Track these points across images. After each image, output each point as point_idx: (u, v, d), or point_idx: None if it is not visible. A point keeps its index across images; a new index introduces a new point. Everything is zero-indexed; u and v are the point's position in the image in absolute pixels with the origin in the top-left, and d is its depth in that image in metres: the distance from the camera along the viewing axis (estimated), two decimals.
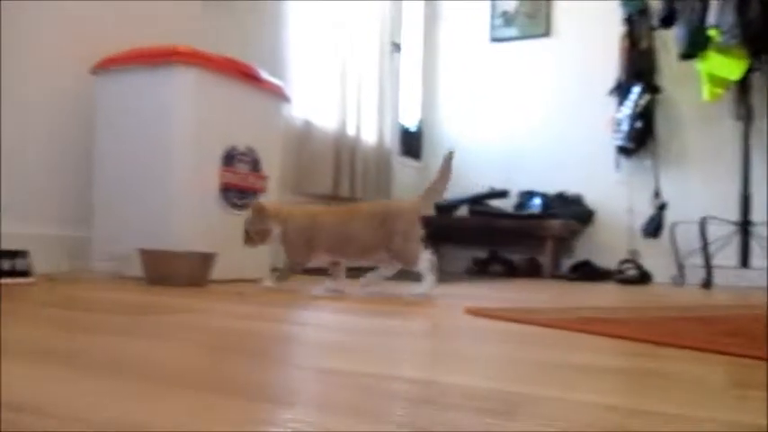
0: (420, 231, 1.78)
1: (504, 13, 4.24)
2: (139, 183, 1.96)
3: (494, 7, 4.27)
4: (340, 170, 3.26)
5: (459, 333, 0.96)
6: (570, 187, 3.90)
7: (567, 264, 3.89)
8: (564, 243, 3.90)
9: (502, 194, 3.93)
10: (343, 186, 3.26)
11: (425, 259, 1.74)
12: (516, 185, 4.03)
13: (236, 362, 0.64)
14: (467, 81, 4.38)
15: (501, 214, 3.89)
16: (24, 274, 1.54)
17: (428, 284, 1.72)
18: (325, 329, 0.93)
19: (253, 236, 1.77)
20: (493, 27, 4.28)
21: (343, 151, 3.27)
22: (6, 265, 1.48)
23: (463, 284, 2.61)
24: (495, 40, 4.29)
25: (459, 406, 0.49)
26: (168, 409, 0.44)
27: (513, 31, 4.22)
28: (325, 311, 1.20)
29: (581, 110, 4.00)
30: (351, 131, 3.36)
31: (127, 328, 0.84)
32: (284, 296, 1.52)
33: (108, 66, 2.03)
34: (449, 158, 1.83)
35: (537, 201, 3.88)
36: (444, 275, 3.43)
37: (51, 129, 2.09)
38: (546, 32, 4.13)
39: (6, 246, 1.56)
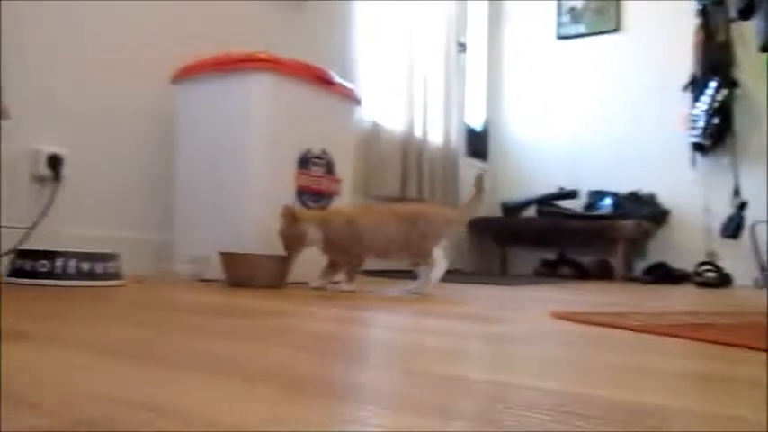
0: (442, 240, 1.80)
1: (572, 10, 4.15)
2: (218, 187, 2.00)
3: (560, 5, 4.20)
4: (407, 172, 3.26)
5: (555, 338, 0.94)
6: (643, 186, 3.79)
7: (639, 266, 3.78)
8: (636, 244, 3.79)
9: (571, 195, 3.85)
10: (410, 188, 3.26)
11: (431, 263, 1.77)
12: (585, 185, 3.94)
13: (347, 367, 0.64)
14: (533, 80, 4.31)
15: (570, 215, 3.81)
16: (115, 276, 1.59)
17: (420, 284, 1.78)
18: (424, 334, 0.93)
19: (290, 242, 1.79)
20: (559, 24, 4.20)
21: (411, 153, 3.27)
22: (99, 267, 1.54)
23: (534, 287, 2.56)
24: (561, 37, 4.21)
25: (601, 418, 0.47)
26: (289, 412, 0.45)
27: (580, 28, 4.14)
28: (408, 314, 1.20)
29: (653, 106, 3.88)
30: (418, 133, 3.35)
31: (228, 331, 0.85)
32: (361, 298, 1.53)
33: (187, 74, 2.09)
34: (479, 180, 1.89)
35: (607, 201, 3.78)
36: (511, 278, 3.40)
37: (135, 137, 2.17)
38: (616, 28, 4.02)
39: (97, 248, 1.63)
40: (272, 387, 0.53)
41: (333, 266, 1.82)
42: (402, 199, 3.27)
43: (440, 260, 1.79)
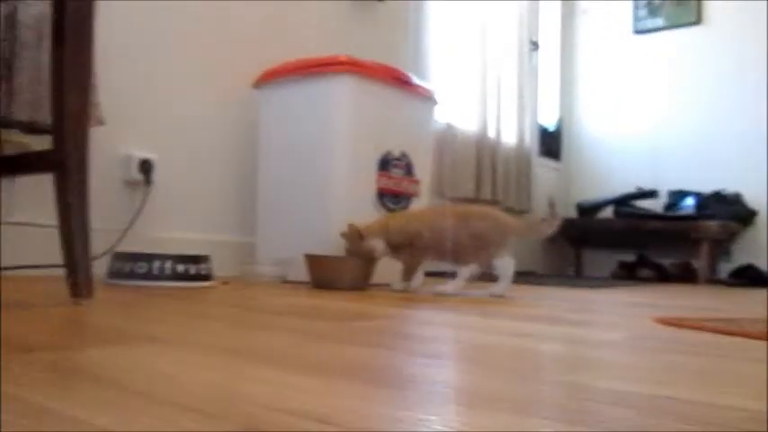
0: (496, 250, 1.75)
1: (650, 3, 4.01)
2: (300, 189, 2.02)
3: None
4: (481, 173, 3.21)
5: (674, 346, 0.89)
6: (728, 186, 3.62)
7: (723, 268, 3.61)
8: (721, 246, 3.62)
9: (650, 194, 3.71)
10: (484, 190, 3.21)
11: (470, 269, 1.74)
12: (666, 185, 3.80)
13: (476, 372, 0.62)
14: (608, 76, 4.19)
15: (650, 215, 3.68)
16: (207, 278, 1.62)
17: (454, 286, 1.74)
18: (535, 339, 0.90)
19: (362, 258, 1.80)
20: (636, 18, 4.07)
21: (484, 154, 3.22)
22: (192, 269, 1.57)
23: (617, 290, 2.48)
24: (638, 31, 4.07)
25: None
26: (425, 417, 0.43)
27: (659, 21, 3.99)
28: (505, 317, 1.17)
29: (737, 102, 3.70)
30: (491, 133, 3.30)
31: (339, 335, 0.85)
32: (446, 300, 1.50)
33: (269, 79, 2.11)
34: (552, 206, 1.86)
35: (690, 201, 3.63)
36: (589, 280, 3.30)
37: (220, 141, 2.21)
38: (696, 20, 3.87)
39: (182, 250, 1.66)
40: (398, 392, 0.52)
41: (414, 265, 1.81)
42: (476, 200, 3.23)
43: (459, 280, 1.75)
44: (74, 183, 1.07)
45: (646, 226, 3.60)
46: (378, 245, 1.79)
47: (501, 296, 1.73)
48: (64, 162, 1.08)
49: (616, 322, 1.18)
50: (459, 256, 1.76)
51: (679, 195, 3.72)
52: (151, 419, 0.41)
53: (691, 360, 0.77)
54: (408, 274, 1.79)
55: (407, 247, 1.79)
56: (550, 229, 1.81)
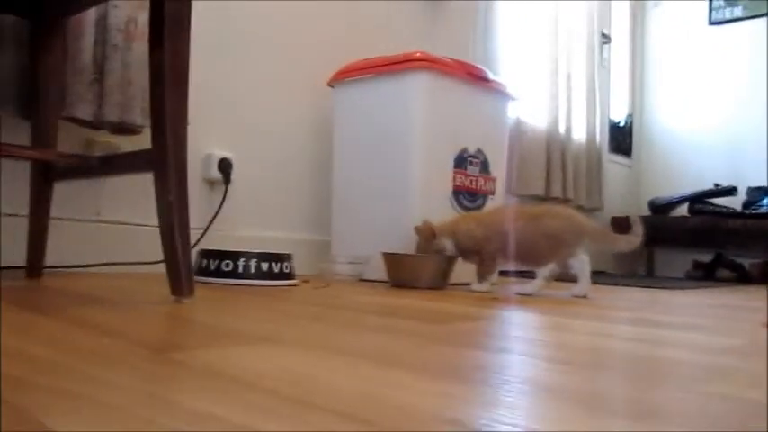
0: (571, 250, 1.69)
1: None
2: (376, 187, 2.01)
3: None
4: (551, 170, 3.14)
5: None
6: None
7: None
8: None
9: (728, 192, 3.56)
10: (554, 187, 3.14)
11: (549, 269, 1.69)
12: (745, 181, 3.64)
13: (614, 381, 0.60)
14: (682, 69, 4.04)
15: (728, 213, 3.53)
16: (290, 276, 1.63)
17: (533, 287, 1.70)
18: (654, 345, 0.86)
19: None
20: (712, 9, 3.91)
21: (554, 150, 3.15)
22: (276, 267, 1.58)
23: (697, 291, 2.38)
24: (714, 22, 3.92)
25: None
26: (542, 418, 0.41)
27: (736, 11, 3.83)
28: (609, 321, 1.12)
29: None
30: (561, 129, 3.23)
31: (443, 335, 0.83)
32: (533, 301, 1.47)
33: (344, 77, 2.11)
34: (636, 224, 1.73)
35: None
36: (664, 280, 3.19)
37: (296, 140, 2.22)
38: None
39: (260, 248, 1.67)
40: (542, 401, 0.49)
41: (488, 267, 1.77)
42: (546, 198, 3.16)
43: (539, 280, 1.70)
44: (174, 182, 1.09)
45: (723, 224, 3.46)
46: (447, 245, 1.77)
47: (584, 296, 1.68)
48: (164, 161, 1.09)
49: (725, 327, 1.13)
50: (532, 258, 1.71)
51: (759, 192, 3.56)
52: (313, 427, 0.40)
53: None
54: (483, 276, 1.76)
55: (476, 253, 1.76)
56: (629, 246, 1.70)
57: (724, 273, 3.54)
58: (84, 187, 1.70)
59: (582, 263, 1.70)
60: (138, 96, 1.62)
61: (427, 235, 1.78)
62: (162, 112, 1.09)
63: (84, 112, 1.55)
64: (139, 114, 1.62)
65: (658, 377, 0.63)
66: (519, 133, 2.99)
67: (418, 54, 1.96)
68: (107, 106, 1.58)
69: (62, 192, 1.55)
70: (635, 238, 1.69)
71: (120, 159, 1.35)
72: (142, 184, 1.54)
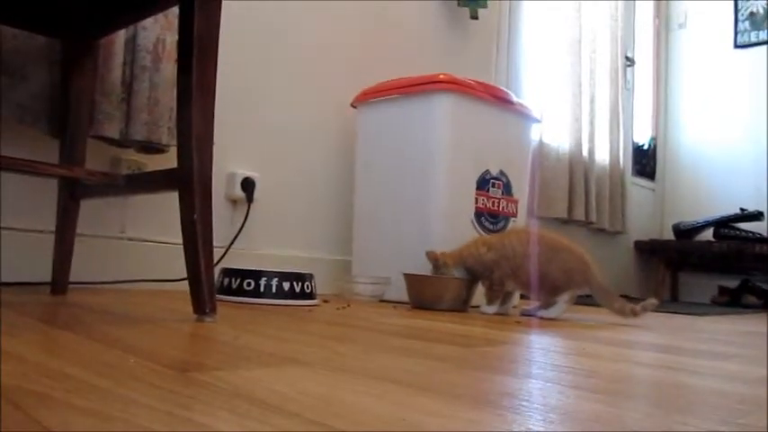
0: (572, 292, 1.69)
1: (752, 15, 3.82)
2: (398, 208, 2.01)
3: (738, 10, 3.88)
4: (574, 193, 3.11)
5: None
6: None
7: None
8: None
9: (755, 217, 3.50)
10: (577, 210, 3.11)
11: (561, 303, 1.69)
12: None
13: (643, 411, 0.58)
14: (706, 92, 4.01)
15: (755, 239, 3.47)
16: (310, 296, 1.63)
17: (557, 310, 1.69)
18: (685, 373, 0.84)
19: None
20: (738, 32, 3.88)
21: (577, 172, 3.13)
22: (298, 287, 1.58)
23: (725, 317, 2.33)
24: (740, 46, 3.89)
25: None
26: None
27: (762, 35, 3.79)
28: (628, 346, 1.10)
29: None
30: (584, 151, 3.20)
31: (467, 359, 0.82)
32: (554, 325, 1.45)
33: (367, 98, 2.12)
34: (652, 306, 1.69)
35: None
36: (689, 306, 3.14)
37: (319, 160, 2.23)
38: None
39: (280, 267, 1.67)
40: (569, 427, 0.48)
41: (496, 292, 1.76)
42: (569, 221, 3.14)
43: (561, 305, 1.69)
44: (198, 200, 1.10)
45: (750, 250, 3.40)
46: (456, 273, 1.78)
47: (551, 319, 1.66)
48: (189, 180, 1.10)
49: (757, 355, 1.10)
50: (539, 286, 1.69)
51: None
52: None
53: None
54: (491, 299, 1.75)
55: (486, 278, 1.75)
56: (619, 312, 1.66)
57: (750, 299, 3.47)
58: (110, 204, 1.72)
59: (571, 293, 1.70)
60: (165, 116, 1.64)
61: (433, 263, 1.78)
62: (188, 133, 1.10)
63: (112, 130, 1.57)
64: (166, 133, 1.64)
65: (690, 407, 0.61)
66: (542, 155, 2.98)
67: (442, 76, 1.97)
68: (134, 125, 1.60)
69: (88, 208, 1.57)
70: (629, 310, 1.65)
71: (145, 178, 1.37)
72: (166, 203, 1.55)
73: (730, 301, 3.53)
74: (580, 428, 0.50)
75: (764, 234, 3.48)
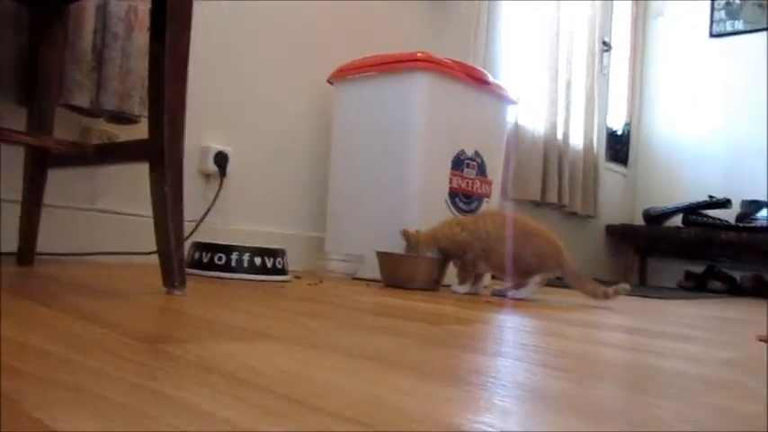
0: (544, 276, 1.71)
1: (728, 5, 3.86)
2: (373, 186, 2.00)
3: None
4: (548, 176, 3.14)
5: None
6: None
7: None
8: None
9: (723, 204, 3.57)
10: (551, 193, 3.14)
11: (532, 284, 1.71)
12: (739, 194, 3.65)
13: (617, 392, 0.59)
14: (681, 80, 4.05)
15: (722, 226, 3.54)
16: (282, 271, 1.62)
17: (528, 291, 1.71)
18: (651, 354, 0.86)
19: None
20: (714, 21, 3.92)
21: (552, 156, 3.15)
22: (270, 263, 1.57)
23: (691, 302, 2.39)
24: (715, 35, 3.93)
25: None
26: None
27: (737, 25, 3.84)
28: (597, 327, 1.12)
29: None
30: (559, 135, 3.22)
31: (441, 338, 0.82)
32: (523, 305, 1.46)
33: (344, 74, 2.10)
34: (624, 290, 1.70)
35: (764, 212, 3.48)
36: (656, 290, 3.20)
37: (294, 137, 2.21)
38: None
39: (253, 243, 1.66)
40: (538, 407, 0.49)
41: (468, 272, 1.77)
42: (542, 204, 3.16)
43: (531, 286, 1.71)
44: (169, 173, 1.08)
45: (716, 236, 3.47)
46: (429, 253, 1.78)
47: (521, 299, 1.68)
48: (160, 152, 1.08)
49: (720, 339, 1.13)
50: (512, 269, 1.71)
51: (753, 205, 3.57)
52: (308, 427, 0.39)
53: None
54: (463, 279, 1.76)
55: (458, 258, 1.76)
56: (592, 294, 1.69)
57: (715, 284, 3.56)
58: (81, 175, 1.69)
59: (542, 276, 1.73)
60: (137, 86, 1.61)
61: (408, 242, 1.78)
62: (160, 103, 1.08)
63: (82, 99, 1.53)
64: (138, 104, 1.61)
65: (654, 387, 0.63)
66: (517, 137, 2.99)
67: (420, 54, 1.95)
68: (105, 95, 1.57)
69: (58, 179, 1.54)
70: (601, 293, 1.67)
71: (116, 148, 1.34)
72: (139, 175, 1.53)
73: (696, 286, 3.61)
74: (546, 405, 0.50)
75: (731, 221, 3.56)
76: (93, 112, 1.60)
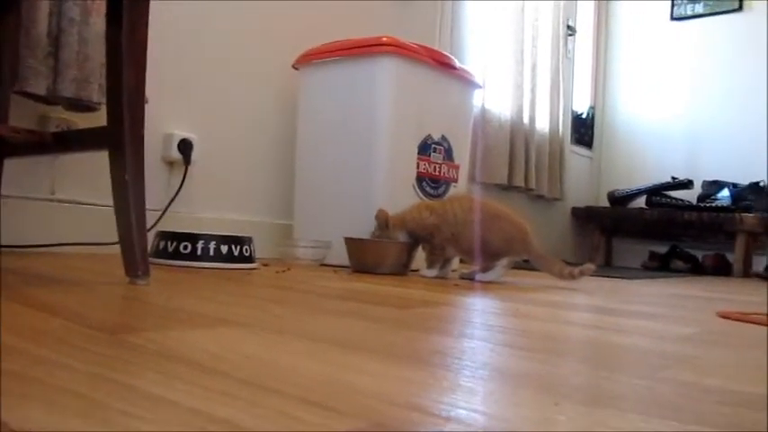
0: (511, 259, 1.74)
1: None
2: (340, 172, 1.99)
3: None
4: (514, 159, 3.16)
5: (751, 341, 0.86)
6: (766, 176, 3.54)
7: (757, 261, 3.54)
8: (757, 239, 3.55)
9: (685, 185, 3.64)
10: (517, 177, 3.16)
11: (500, 267, 1.73)
12: (701, 175, 3.73)
13: (577, 368, 0.60)
14: (643, 63, 4.11)
15: (684, 206, 3.62)
16: (249, 259, 1.61)
17: (495, 274, 1.72)
18: (611, 332, 0.87)
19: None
20: (674, 4, 3.98)
21: (518, 140, 3.17)
22: (236, 250, 1.56)
23: (654, 281, 2.44)
24: (676, 18, 3.98)
25: None
26: (506, 407, 0.41)
27: (698, 8, 3.90)
28: (561, 308, 1.14)
29: None
30: (525, 119, 3.25)
31: (405, 320, 0.82)
32: (496, 287, 1.48)
33: (309, 59, 2.08)
34: (588, 270, 1.72)
35: (725, 192, 3.56)
36: (622, 270, 3.26)
37: (259, 123, 2.19)
38: (738, 7, 3.77)
39: (220, 231, 1.64)
40: (503, 386, 0.49)
41: (436, 256, 1.78)
42: (509, 188, 3.19)
43: (499, 269, 1.73)
44: (130, 160, 1.06)
45: (679, 217, 3.54)
46: (399, 236, 1.79)
47: (488, 282, 1.70)
48: (120, 139, 1.06)
49: (681, 316, 1.15)
50: (480, 253, 1.72)
51: (714, 186, 3.65)
52: (274, 413, 0.39)
53: None
54: (431, 263, 1.77)
55: (426, 241, 1.77)
56: (558, 275, 1.71)
57: (678, 264, 3.63)
58: (39, 164, 1.64)
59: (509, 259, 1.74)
60: (96, 72, 1.57)
61: (381, 223, 1.78)
62: (119, 89, 1.06)
63: (38, 86, 1.49)
64: (96, 91, 1.57)
65: (616, 363, 0.64)
66: (484, 122, 3.00)
67: (385, 38, 1.94)
68: (62, 82, 1.53)
69: (14, 168, 1.49)
70: (568, 273, 1.69)
71: (74, 136, 1.31)
72: (99, 163, 1.49)
73: (660, 266, 3.69)
74: (510, 384, 0.51)
75: (693, 202, 3.63)
76: (51, 99, 1.55)
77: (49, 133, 1.31)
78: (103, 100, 1.56)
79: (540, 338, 0.76)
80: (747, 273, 3.40)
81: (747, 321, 1.11)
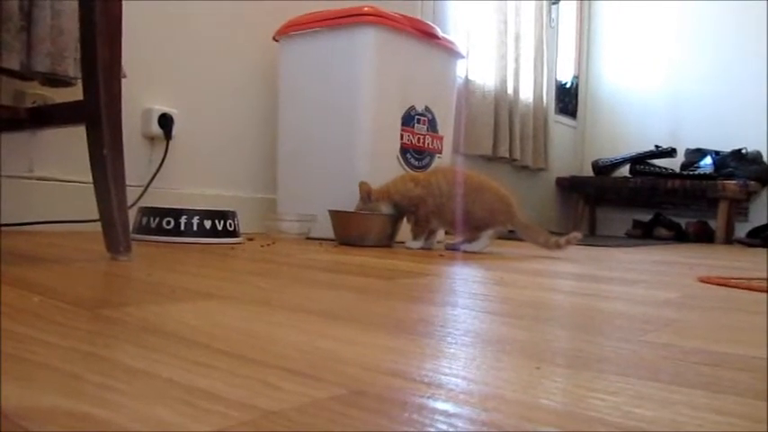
0: (495, 230, 1.74)
1: None
2: (323, 144, 1.98)
3: None
4: (499, 130, 3.15)
5: (731, 304, 0.87)
6: (748, 144, 3.56)
7: (739, 228, 3.58)
8: (739, 205, 3.58)
9: (668, 153, 3.66)
10: (502, 147, 3.16)
11: (485, 238, 1.73)
12: (684, 143, 3.75)
13: (560, 334, 0.60)
14: (627, 32, 4.09)
15: (667, 174, 3.64)
16: (234, 234, 1.60)
17: (480, 245, 1.73)
18: (595, 298, 0.88)
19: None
20: None
21: (502, 110, 3.16)
22: (220, 225, 1.54)
23: (638, 249, 2.46)
24: None
25: None
26: (497, 374, 0.41)
27: None
28: (545, 276, 1.14)
29: (760, 58, 3.61)
30: (509, 89, 3.23)
31: (389, 291, 0.82)
32: (477, 257, 1.48)
33: (290, 31, 2.05)
34: (575, 239, 1.73)
35: (708, 160, 3.58)
36: (606, 239, 3.28)
37: (241, 96, 2.16)
38: None
39: (204, 206, 1.63)
40: (486, 352, 0.49)
41: (421, 228, 1.78)
42: (493, 159, 3.18)
43: (484, 239, 1.73)
44: (108, 135, 1.04)
45: (662, 185, 3.56)
46: (383, 208, 1.78)
47: (474, 252, 1.71)
48: (97, 114, 1.04)
49: (663, 281, 1.16)
50: (464, 224, 1.72)
51: (697, 154, 3.67)
52: (253, 382, 0.38)
53: (759, 319, 0.74)
54: (417, 234, 1.77)
55: (411, 213, 1.77)
56: (544, 244, 1.71)
57: (662, 231, 3.66)
58: (16, 142, 1.61)
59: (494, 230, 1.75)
60: (71, 46, 1.53)
61: (364, 196, 1.78)
62: (94, 63, 1.04)
63: (11, 62, 1.45)
64: (72, 65, 1.54)
65: (598, 328, 0.64)
66: (467, 92, 2.99)
67: (366, 8, 1.91)
68: (36, 56, 1.49)
69: None
70: (554, 243, 1.69)
71: (50, 111, 1.29)
72: (79, 140, 1.47)
73: (644, 234, 3.72)
74: (492, 349, 0.51)
75: (676, 170, 3.65)
76: (25, 74, 1.52)
77: (23, 109, 1.28)
78: (80, 74, 1.53)
79: (523, 305, 0.77)
80: (729, 239, 3.43)
81: (727, 286, 1.12)
